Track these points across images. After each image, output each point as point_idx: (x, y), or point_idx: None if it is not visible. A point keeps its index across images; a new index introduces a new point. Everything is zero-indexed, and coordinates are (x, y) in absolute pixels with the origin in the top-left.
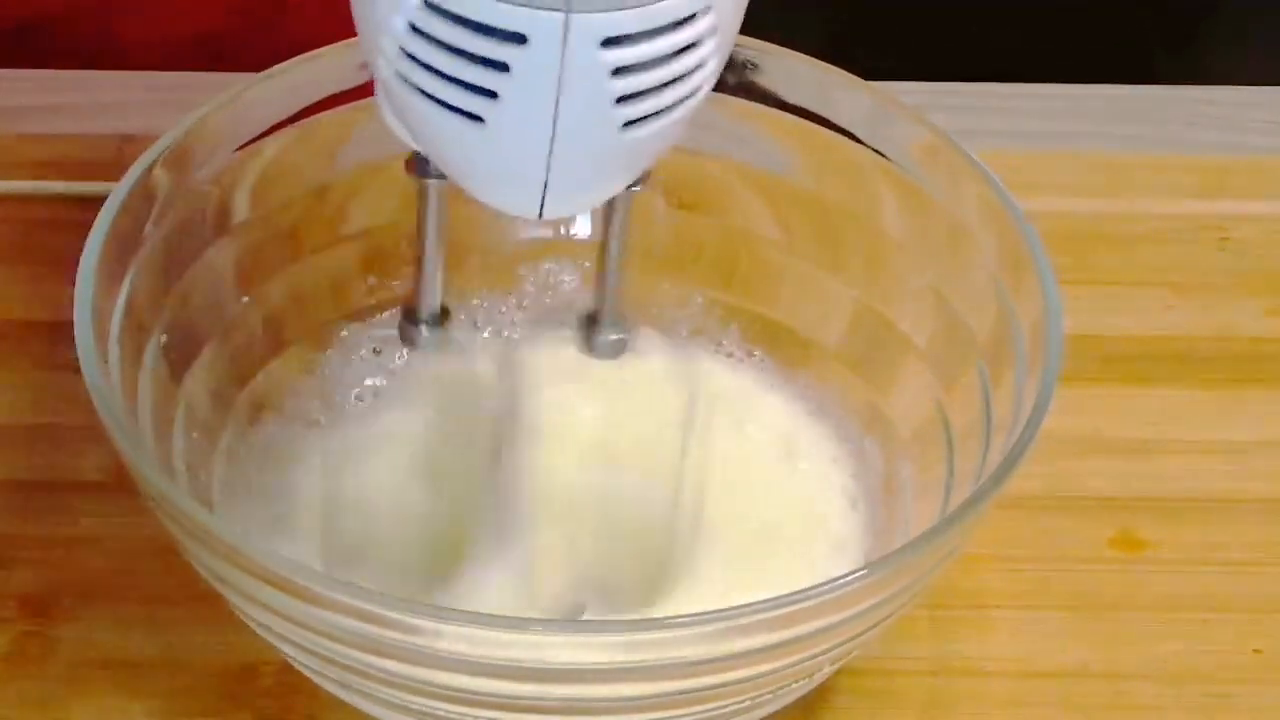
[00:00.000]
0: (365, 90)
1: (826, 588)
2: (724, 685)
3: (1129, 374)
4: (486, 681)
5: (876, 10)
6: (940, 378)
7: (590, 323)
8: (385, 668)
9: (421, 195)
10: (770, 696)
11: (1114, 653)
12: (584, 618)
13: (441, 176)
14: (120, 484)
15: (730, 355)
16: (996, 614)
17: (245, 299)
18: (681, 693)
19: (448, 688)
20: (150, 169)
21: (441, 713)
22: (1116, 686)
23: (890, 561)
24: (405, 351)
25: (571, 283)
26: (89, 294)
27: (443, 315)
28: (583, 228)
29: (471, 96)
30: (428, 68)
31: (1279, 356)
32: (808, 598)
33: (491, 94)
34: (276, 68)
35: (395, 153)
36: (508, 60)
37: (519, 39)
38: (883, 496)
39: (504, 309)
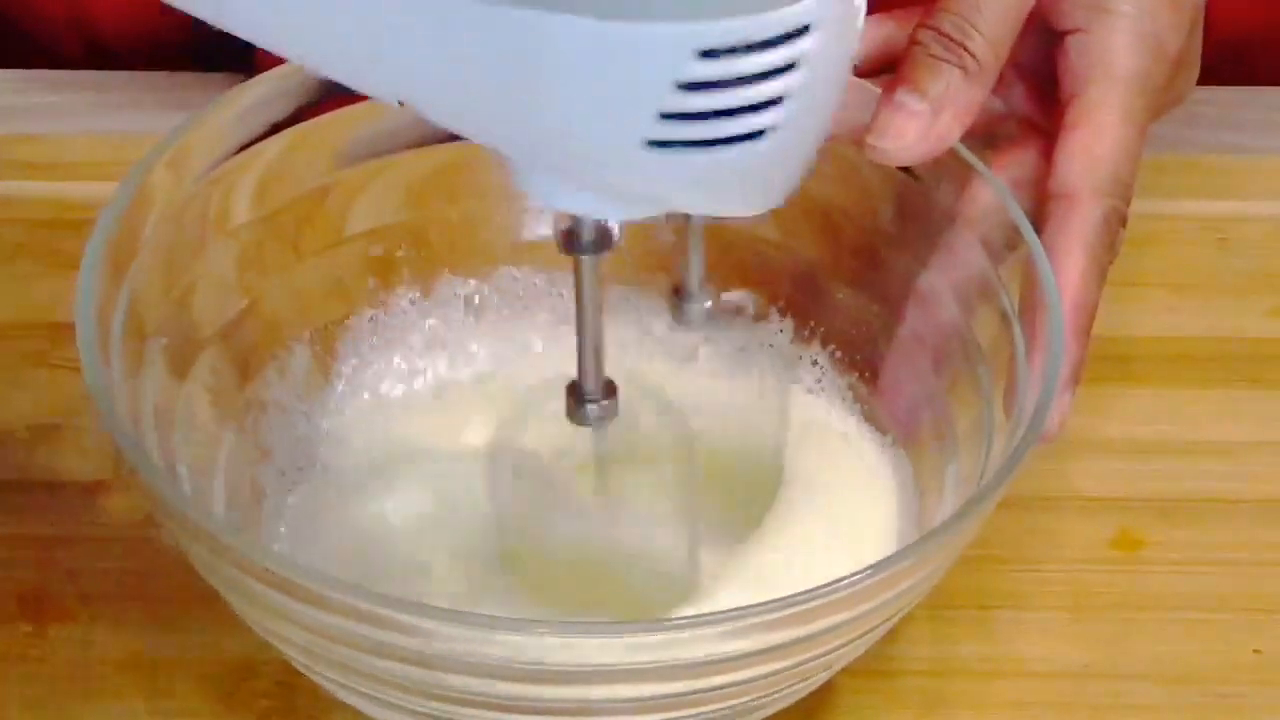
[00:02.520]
0: None
1: (828, 589)
2: (725, 687)
3: (1129, 374)
4: (489, 683)
5: (876, 9)
6: (940, 378)
7: (677, 293)
8: (387, 669)
9: (578, 270)
10: (771, 698)
11: (1114, 653)
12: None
13: (597, 249)
14: (120, 484)
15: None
16: (996, 614)
17: (246, 300)
18: (682, 694)
19: (450, 689)
20: (151, 169)
21: (443, 714)
22: (1116, 686)
23: (892, 563)
24: (406, 352)
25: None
26: (90, 294)
27: (608, 389)
28: None
29: (755, 115)
30: (701, 116)
31: (1279, 356)
32: (809, 599)
33: (777, 101)
34: (277, 69)
35: (396, 153)
36: (795, 58)
37: (802, 31)
38: None
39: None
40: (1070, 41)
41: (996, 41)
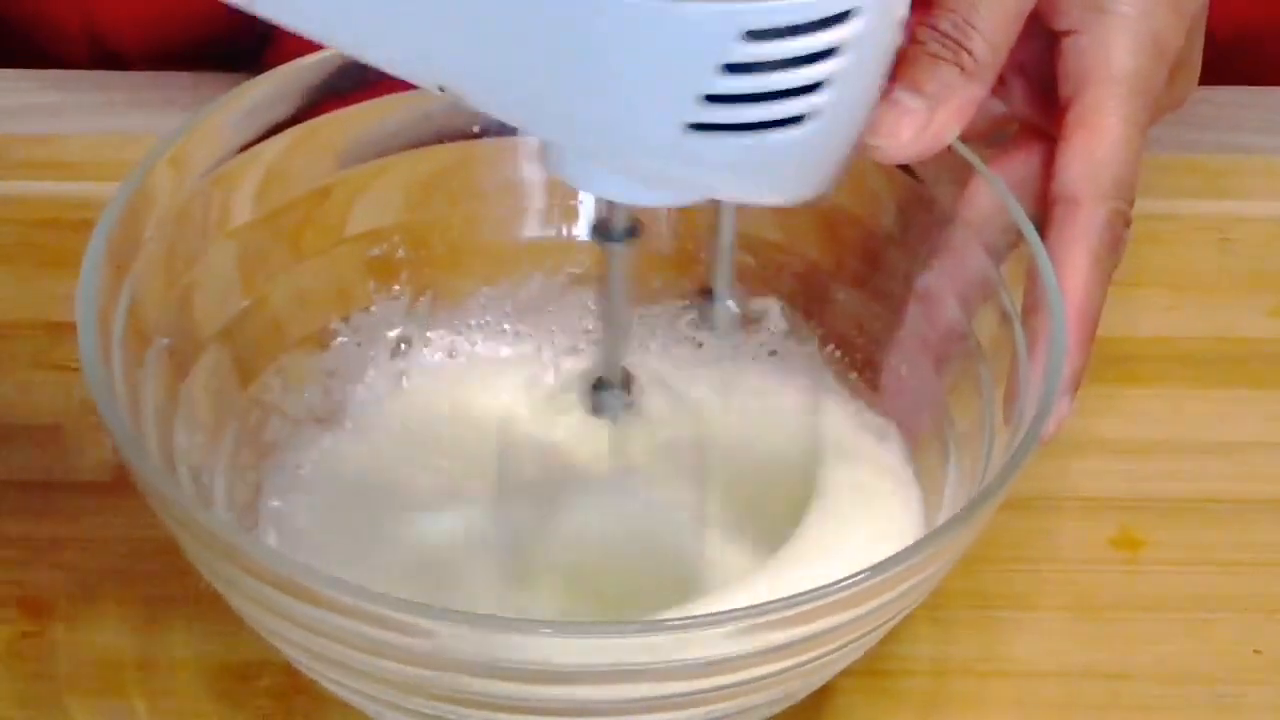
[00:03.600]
0: (367, 92)
1: (829, 590)
2: (725, 687)
3: (1129, 374)
4: (489, 683)
5: None
6: (941, 379)
7: (703, 295)
8: (387, 669)
9: (611, 260)
10: (771, 698)
11: (1114, 653)
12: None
13: (627, 239)
14: (120, 484)
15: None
16: (996, 614)
17: (247, 300)
18: (682, 695)
19: (450, 689)
20: (152, 169)
21: (443, 714)
22: (1116, 686)
23: (892, 564)
24: (408, 353)
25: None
26: (91, 294)
27: (626, 381)
28: (585, 229)
29: (797, 100)
30: (745, 99)
31: (1279, 356)
32: (810, 600)
33: (817, 86)
34: (279, 68)
35: (397, 154)
36: (839, 42)
37: (847, 15)
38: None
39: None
40: (1068, 42)
41: (996, 41)
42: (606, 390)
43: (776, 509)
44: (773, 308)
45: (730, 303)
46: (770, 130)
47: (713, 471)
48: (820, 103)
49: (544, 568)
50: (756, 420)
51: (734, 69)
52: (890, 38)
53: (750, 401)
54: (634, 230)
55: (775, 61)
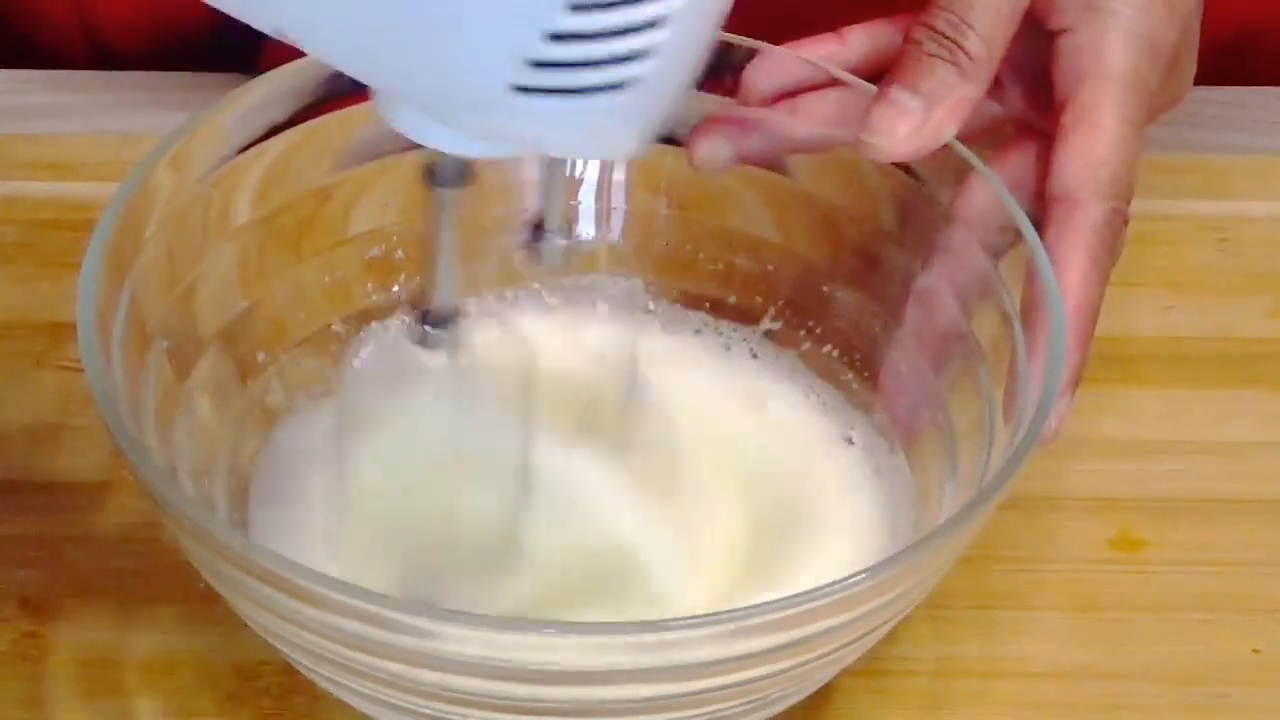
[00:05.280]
0: (367, 92)
1: (829, 590)
2: (726, 687)
3: (1129, 374)
4: (489, 683)
5: (877, 8)
6: (940, 378)
7: (536, 231)
8: (387, 669)
9: (438, 204)
10: (771, 698)
11: (1114, 653)
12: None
13: (457, 184)
14: (120, 484)
15: (728, 350)
16: (996, 614)
17: (248, 300)
18: (682, 695)
19: (450, 689)
20: (152, 169)
21: (443, 714)
22: (1116, 686)
23: (893, 564)
24: (408, 352)
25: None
26: (91, 295)
27: (456, 316)
28: (585, 228)
29: (620, 68)
30: (567, 65)
31: (1279, 356)
32: (810, 600)
33: (643, 55)
34: (279, 68)
35: (397, 154)
36: (660, 15)
37: None
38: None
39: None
40: (1063, 41)
41: (991, 40)
42: (436, 325)
43: (763, 511)
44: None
45: (559, 240)
46: (593, 95)
47: (696, 472)
48: (643, 70)
49: (542, 580)
50: (743, 423)
51: (558, 38)
52: (716, 3)
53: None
54: (463, 176)
55: (599, 32)
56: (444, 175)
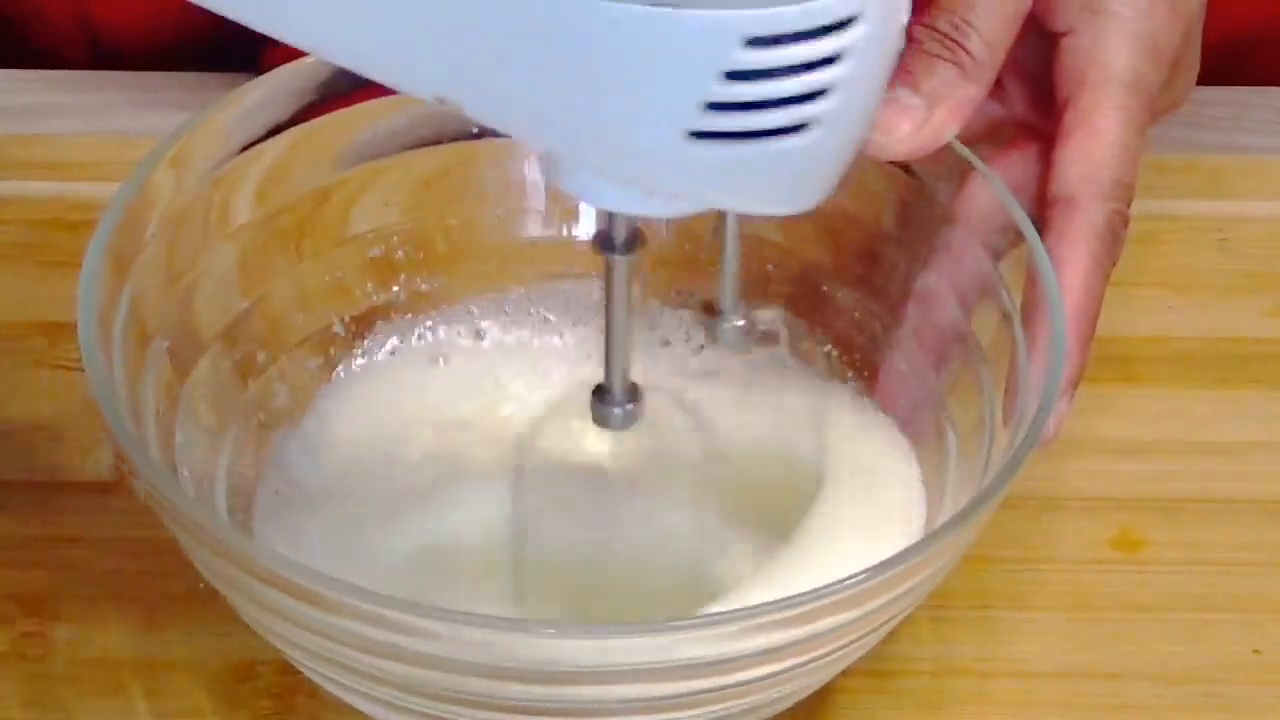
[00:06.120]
0: (368, 92)
1: (830, 590)
2: (726, 688)
3: (1129, 374)
4: (490, 683)
5: None
6: (941, 378)
7: (708, 310)
8: (387, 669)
9: (609, 272)
10: (772, 698)
11: (1114, 653)
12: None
13: (629, 250)
14: (120, 484)
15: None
16: (996, 614)
17: (248, 300)
18: (683, 695)
19: (451, 689)
20: (153, 169)
21: (444, 714)
22: (1116, 686)
23: (892, 564)
24: (407, 353)
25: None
26: (92, 295)
27: (633, 392)
28: (585, 229)
29: (799, 107)
30: (745, 106)
31: (1279, 356)
32: (811, 600)
33: (820, 93)
34: (279, 68)
35: (397, 154)
36: (842, 49)
37: (849, 22)
38: None
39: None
40: (1066, 44)
41: (993, 41)
42: (609, 400)
43: (781, 516)
44: (777, 318)
45: (738, 320)
46: (772, 138)
47: (718, 481)
48: (822, 110)
49: (544, 582)
50: (762, 427)
51: (735, 76)
52: (892, 43)
53: (756, 410)
54: (635, 241)
55: (777, 68)
56: (616, 241)
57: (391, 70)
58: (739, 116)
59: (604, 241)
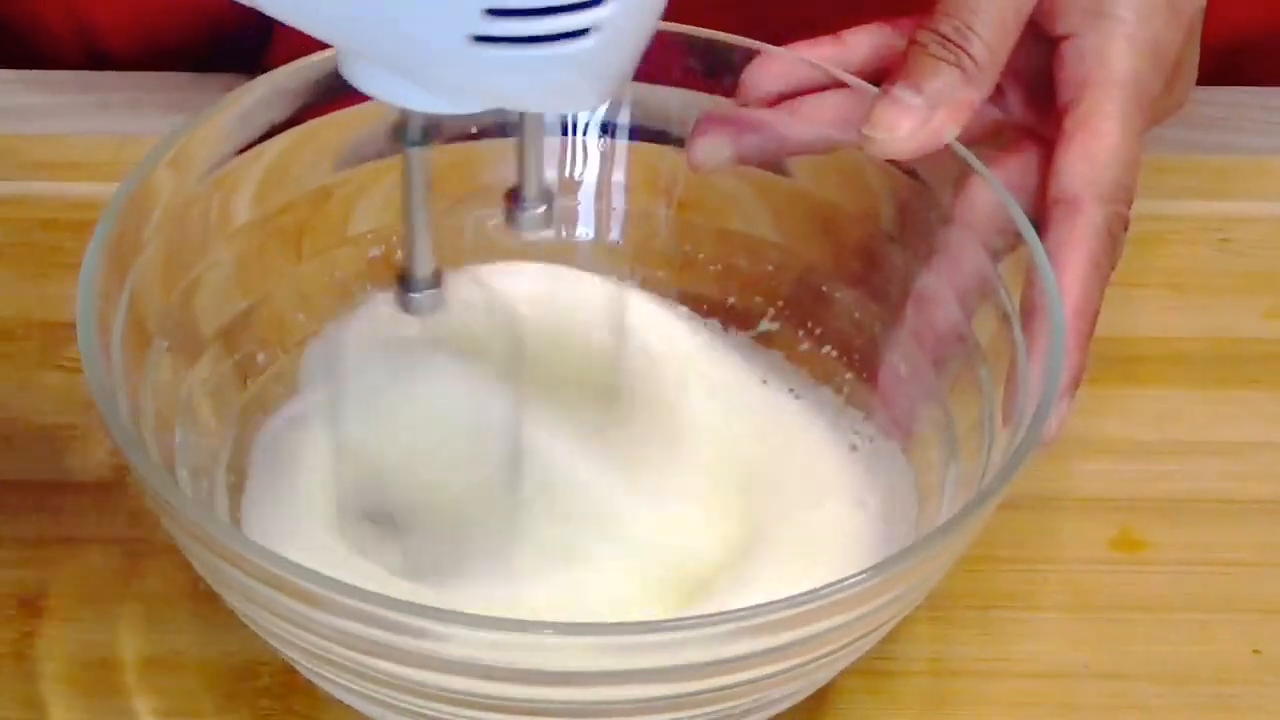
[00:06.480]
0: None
1: (830, 590)
2: (726, 688)
3: (1129, 374)
4: (489, 683)
5: (877, 10)
6: (941, 378)
7: (513, 198)
8: (387, 669)
9: (408, 162)
10: (771, 699)
11: (1114, 653)
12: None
13: (425, 143)
14: (120, 484)
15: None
16: (996, 614)
17: (247, 300)
18: (683, 696)
19: (451, 689)
20: (152, 169)
21: (443, 714)
22: (1116, 686)
23: (894, 564)
24: (407, 353)
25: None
26: (91, 295)
27: (435, 278)
28: (585, 229)
29: (579, 14)
30: (525, 12)
31: (1279, 356)
32: (810, 600)
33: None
34: (279, 69)
35: (397, 154)
36: None
37: None
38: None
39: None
40: (1066, 47)
41: (994, 45)
42: (412, 286)
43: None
44: (575, 208)
45: (539, 208)
46: (553, 43)
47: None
48: (602, 16)
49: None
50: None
51: None
52: None
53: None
54: (430, 134)
55: None
56: (412, 134)
57: None
58: (519, 22)
59: (401, 134)
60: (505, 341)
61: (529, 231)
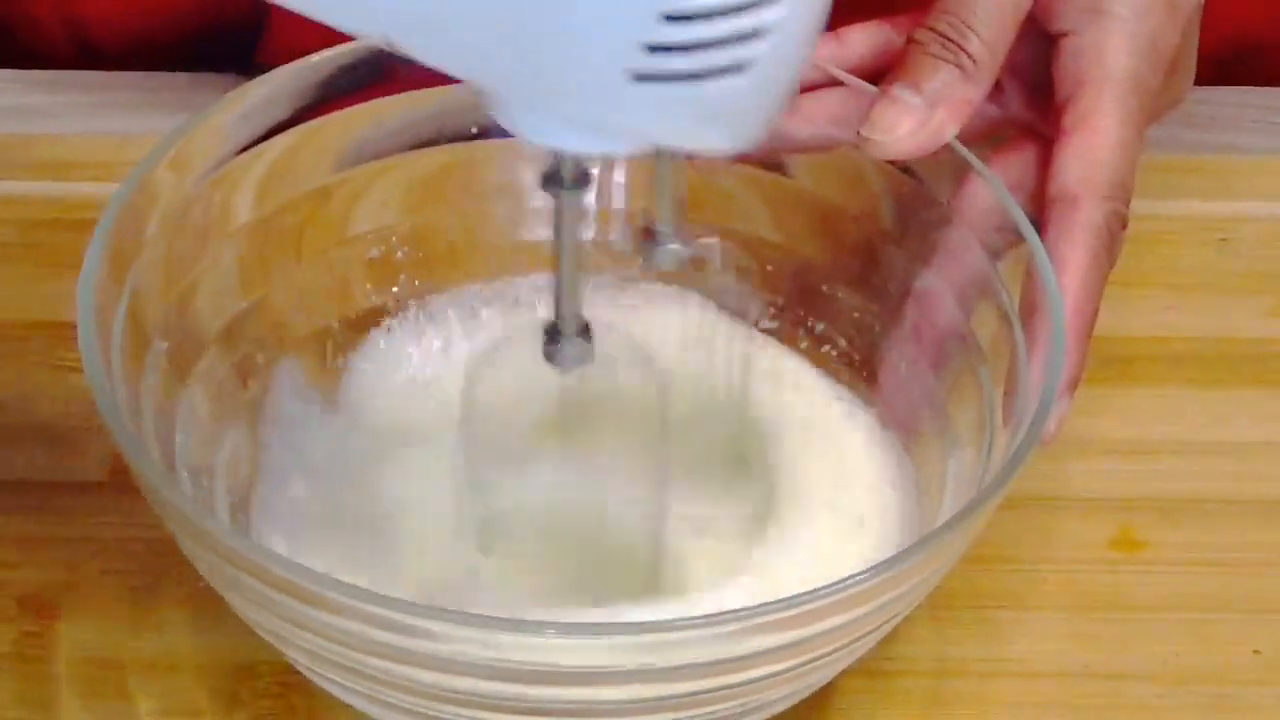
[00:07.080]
0: (367, 92)
1: (829, 590)
2: (726, 688)
3: (1129, 374)
4: (490, 683)
5: (875, 9)
6: (940, 378)
7: (647, 236)
8: (387, 669)
9: (559, 209)
10: (770, 699)
11: (1114, 653)
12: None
13: (578, 187)
14: (120, 484)
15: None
16: (996, 614)
17: (248, 300)
18: (682, 695)
19: (451, 689)
20: (152, 170)
21: (444, 714)
22: (1116, 686)
23: (892, 564)
24: (406, 353)
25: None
26: (91, 295)
27: (584, 330)
28: (585, 229)
29: (737, 49)
30: (685, 49)
31: (1279, 356)
32: (810, 600)
33: (759, 34)
34: (278, 69)
35: (397, 154)
36: None
37: None
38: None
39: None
40: (1064, 44)
41: (993, 43)
42: (563, 339)
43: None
44: (714, 246)
45: (675, 245)
46: (710, 79)
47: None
48: (759, 51)
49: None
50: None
51: (675, 19)
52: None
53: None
54: (582, 179)
55: (714, 10)
56: (564, 179)
57: (338, 11)
58: (679, 59)
59: (552, 179)
60: (646, 402)
61: (665, 268)
